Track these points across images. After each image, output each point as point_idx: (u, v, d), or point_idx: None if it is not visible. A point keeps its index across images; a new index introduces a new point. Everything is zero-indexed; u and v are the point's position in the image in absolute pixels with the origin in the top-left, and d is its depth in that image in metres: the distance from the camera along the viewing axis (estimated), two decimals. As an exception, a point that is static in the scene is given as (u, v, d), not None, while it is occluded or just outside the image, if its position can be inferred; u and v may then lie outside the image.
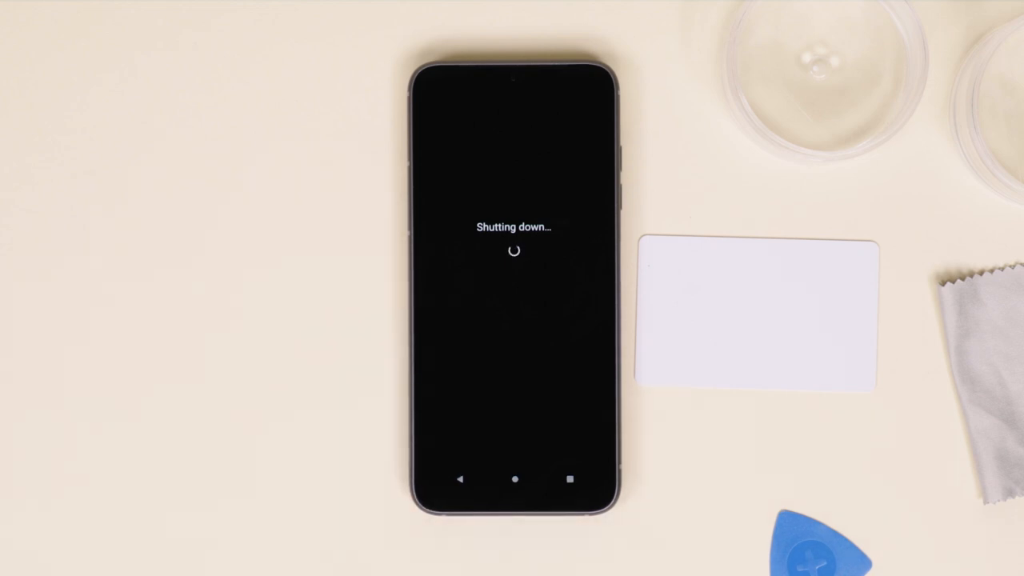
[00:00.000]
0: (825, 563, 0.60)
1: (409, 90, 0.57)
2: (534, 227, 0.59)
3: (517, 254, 0.59)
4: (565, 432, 0.58)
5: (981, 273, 0.59)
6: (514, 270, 0.59)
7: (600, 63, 0.58)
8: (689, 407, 0.60)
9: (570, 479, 0.58)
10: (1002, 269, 0.59)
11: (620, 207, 0.58)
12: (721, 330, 0.59)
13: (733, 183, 0.61)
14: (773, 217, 0.60)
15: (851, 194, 0.60)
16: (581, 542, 0.60)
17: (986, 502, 0.58)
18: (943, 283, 0.59)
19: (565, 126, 0.58)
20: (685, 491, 0.60)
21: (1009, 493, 0.58)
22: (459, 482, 0.58)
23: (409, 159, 0.58)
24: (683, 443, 0.60)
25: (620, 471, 0.57)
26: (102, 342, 0.63)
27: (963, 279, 0.58)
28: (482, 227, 0.59)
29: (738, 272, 0.59)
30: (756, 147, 0.60)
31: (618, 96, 0.58)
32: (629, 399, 0.59)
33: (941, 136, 0.60)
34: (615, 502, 0.58)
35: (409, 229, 0.58)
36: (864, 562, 0.60)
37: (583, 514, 0.57)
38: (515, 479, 0.58)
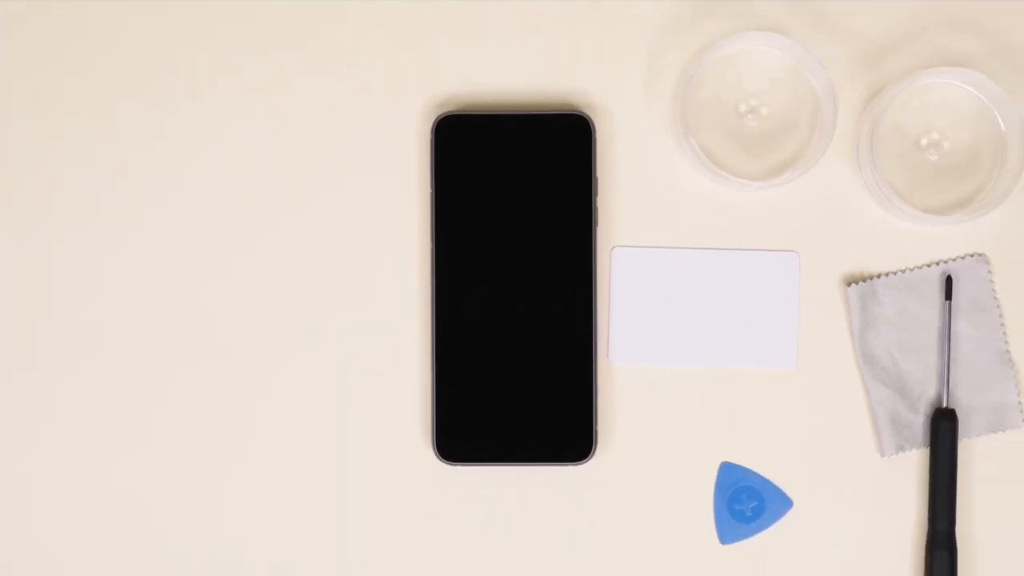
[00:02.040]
0: (756, 503, 0.67)
1: (432, 133, 0.65)
2: (531, 239, 0.66)
3: (517, 259, 0.66)
4: (554, 400, 0.65)
5: (879, 277, 0.67)
6: (515, 273, 0.65)
7: (581, 112, 0.66)
8: (651, 381, 0.68)
9: (557, 437, 0.65)
10: (895, 273, 0.67)
11: (596, 224, 0.65)
12: (677, 320, 0.68)
13: (685, 206, 0.68)
14: (717, 232, 0.68)
15: (777, 215, 0.68)
16: (566, 487, 0.67)
17: (882, 455, 0.67)
18: (849, 284, 0.67)
19: (554, 161, 0.65)
20: (647, 447, 0.68)
21: (900, 448, 0.67)
22: (470, 439, 0.65)
23: (432, 186, 0.65)
24: (646, 409, 0.68)
25: (596, 431, 0.65)
26: (163, 302, 0.69)
27: (864, 281, 0.67)
28: (489, 237, 0.66)
29: (690, 275, 0.68)
30: (703, 178, 0.68)
31: (595, 138, 0.65)
32: (604, 375, 0.67)
33: (847, 169, 0.68)
34: (592, 455, 0.65)
35: (431, 241, 0.65)
36: (787, 502, 0.68)
37: (567, 464, 0.65)
38: (514, 437, 0.65)
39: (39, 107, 0.69)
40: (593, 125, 0.65)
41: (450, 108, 0.67)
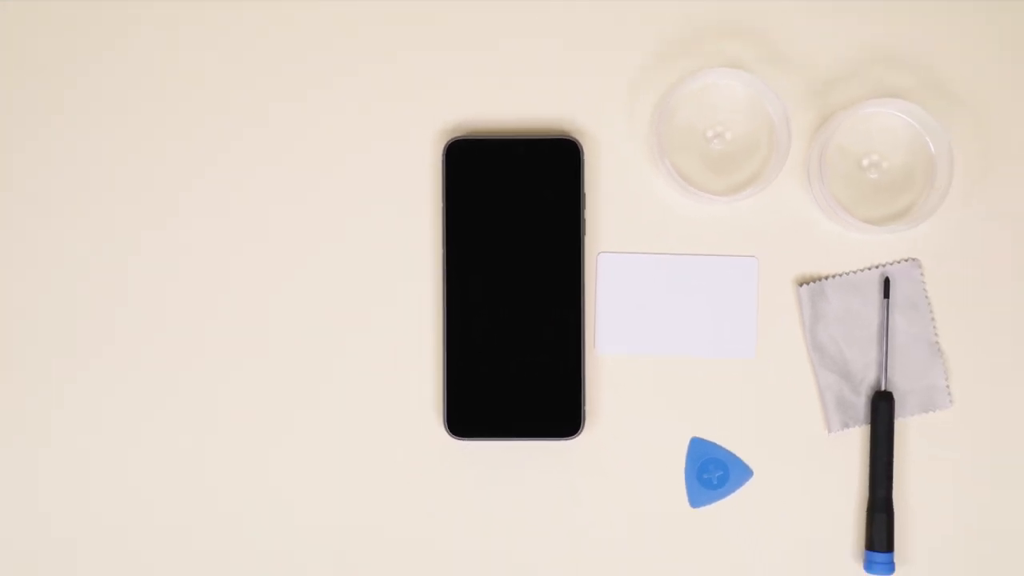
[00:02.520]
0: (721, 472, 0.69)
1: (443, 155, 0.68)
2: (529, 245, 0.68)
3: (517, 262, 0.68)
4: (548, 384, 0.67)
5: (827, 278, 0.70)
6: (515, 274, 0.68)
7: (571, 137, 0.68)
8: (632, 367, 0.70)
9: (551, 415, 0.67)
10: (841, 276, 0.70)
11: (584, 233, 0.68)
12: (654, 316, 0.70)
13: (661, 218, 0.71)
14: (688, 240, 0.71)
15: (740, 225, 0.70)
16: (558, 459, 0.70)
17: (829, 432, 0.69)
18: (801, 285, 0.70)
19: (548, 179, 0.68)
20: (628, 424, 0.70)
21: (845, 426, 0.69)
22: (476, 418, 0.68)
23: (443, 199, 0.68)
24: (627, 392, 0.70)
25: (585, 411, 0.67)
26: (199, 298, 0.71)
27: (814, 282, 0.70)
28: (493, 243, 0.68)
29: (665, 277, 0.70)
30: (676, 194, 0.70)
31: (583, 160, 0.68)
32: (591, 362, 0.69)
33: (800, 186, 0.70)
34: (581, 432, 0.68)
35: (443, 247, 0.68)
36: (747, 471, 0.70)
37: (560, 439, 0.67)
38: (514, 415, 0.67)
39: (115, 143, 0.72)
40: (582, 148, 0.68)
41: (459, 134, 0.70)
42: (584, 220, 0.68)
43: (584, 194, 0.68)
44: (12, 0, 0.71)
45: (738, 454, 0.70)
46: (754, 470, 0.70)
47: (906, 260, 0.70)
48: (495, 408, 0.68)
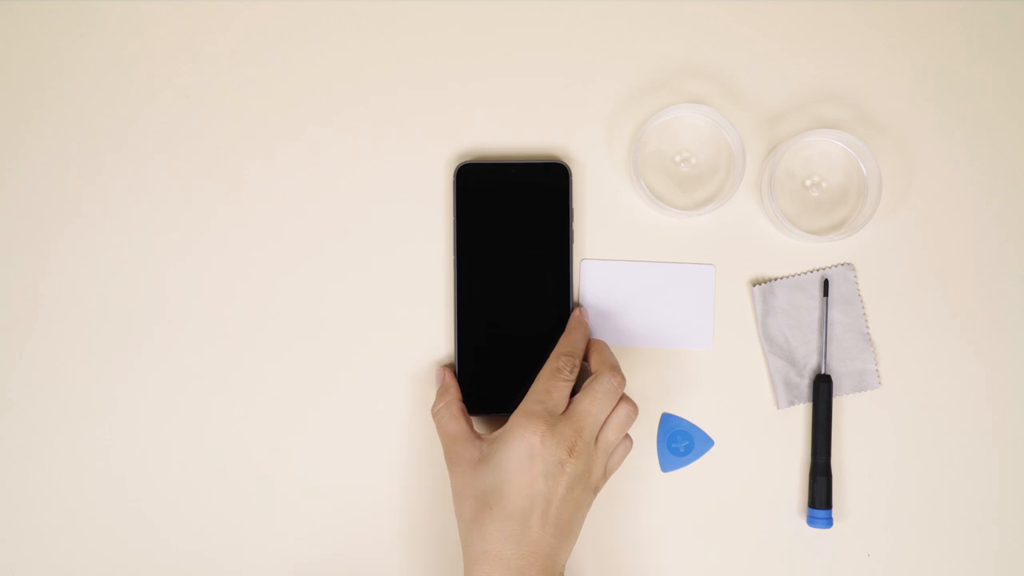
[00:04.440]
0: (687, 443, 0.72)
1: (454, 176, 0.70)
2: (526, 252, 0.70)
3: (516, 267, 0.70)
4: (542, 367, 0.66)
5: (776, 279, 0.73)
6: (514, 277, 0.70)
7: (561, 161, 0.71)
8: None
9: None
10: (788, 277, 0.73)
11: (572, 243, 0.71)
12: (628, 311, 0.72)
13: (636, 230, 0.73)
14: (658, 249, 0.73)
15: (702, 235, 0.73)
16: None
17: (778, 408, 0.73)
18: (754, 285, 0.73)
19: (541, 197, 0.70)
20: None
21: (791, 403, 0.72)
22: (484, 397, 0.70)
23: (454, 214, 0.70)
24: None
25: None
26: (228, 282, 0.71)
27: (765, 283, 0.73)
28: (496, 251, 0.69)
29: (638, 280, 0.72)
30: (649, 209, 0.73)
31: (571, 180, 0.71)
32: None
33: (753, 203, 0.73)
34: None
35: (454, 254, 0.70)
36: (709, 442, 0.73)
37: None
38: (515, 394, 0.68)
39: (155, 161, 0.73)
40: (570, 171, 0.70)
41: (467, 158, 0.72)
42: (572, 232, 0.70)
43: (572, 209, 0.70)
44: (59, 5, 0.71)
45: (702, 427, 0.73)
46: (715, 440, 0.73)
47: (842, 264, 0.73)
48: (499, 388, 0.69)
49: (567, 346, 0.66)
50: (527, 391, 0.66)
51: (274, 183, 0.72)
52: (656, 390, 0.73)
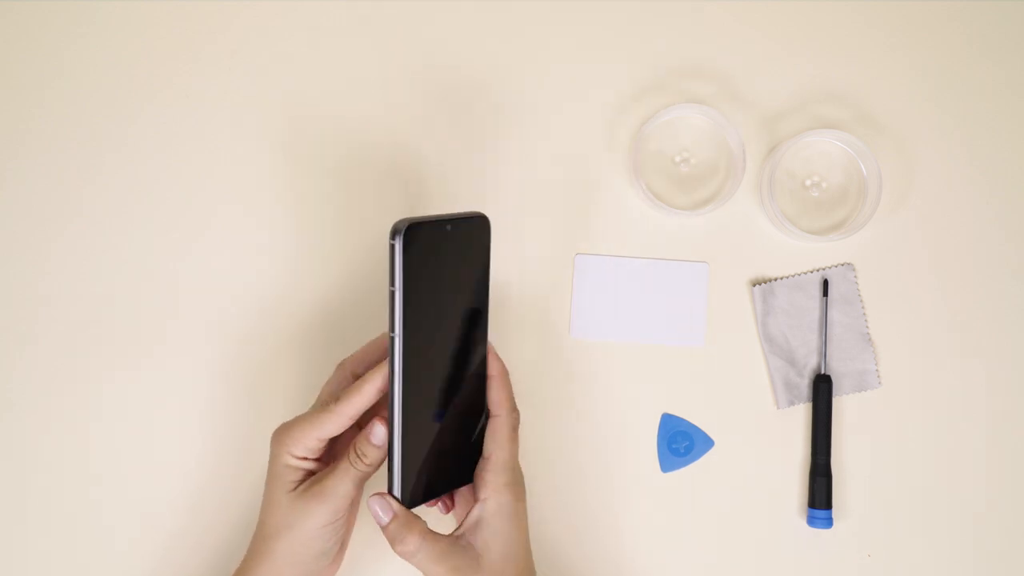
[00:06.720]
0: (687, 443, 0.72)
1: (398, 235, 0.55)
2: (456, 319, 0.60)
3: (448, 339, 0.60)
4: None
5: (776, 279, 0.73)
6: (446, 350, 0.60)
7: (480, 213, 0.59)
8: (604, 352, 0.72)
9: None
10: (788, 277, 0.73)
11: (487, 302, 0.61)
12: (622, 307, 0.72)
13: (636, 227, 0.73)
14: (656, 247, 0.73)
15: (701, 235, 0.73)
16: (553, 428, 0.72)
17: (778, 408, 0.73)
18: (754, 285, 0.73)
19: (467, 253, 0.58)
20: (604, 402, 0.72)
21: (791, 403, 0.72)
22: (427, 482, 0.61)
23: (401, 282, 0.56)
24: (601, 374, 0.72)
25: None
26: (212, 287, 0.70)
27: (766, 283, 0.73)
28: (435, 322, 0.58)
29: (634, 276, 0.72)
30: (649, 208, 0.73)
31: (490, 234, 0.60)
32: (567, 347, 0.72)
33: (753, 202, 0.74)
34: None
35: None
36: (709, 442, 0.72)
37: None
38: (452, 467, 0.63)
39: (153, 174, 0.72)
40: (489, 224, 0.60)
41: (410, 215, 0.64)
42: (488, 288, 0.62)
43: (489, 263, 0.62)
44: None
45: (702, 427, 0.73)
46: (715, 440, 0.73)
47: (842, 264, 0.73)
48: (439, 469, 0.62)
49: (510, 398, 0.63)
50: (474, 459, 0.63)
51: (274, 183, 0.73)
52: (655, 389, 0.73)
